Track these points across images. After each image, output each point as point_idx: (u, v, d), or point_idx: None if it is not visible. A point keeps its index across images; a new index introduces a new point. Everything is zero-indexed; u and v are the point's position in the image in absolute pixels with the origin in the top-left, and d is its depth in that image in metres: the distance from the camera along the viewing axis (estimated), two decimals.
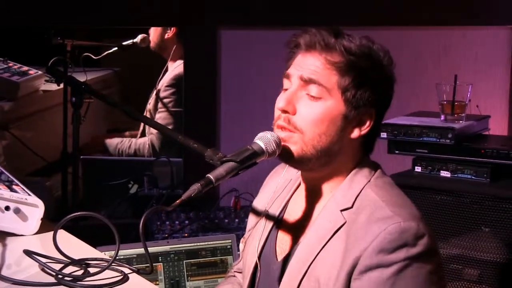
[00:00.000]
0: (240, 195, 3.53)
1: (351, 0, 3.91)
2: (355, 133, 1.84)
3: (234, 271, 2.25)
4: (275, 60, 3.68)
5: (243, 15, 3.87)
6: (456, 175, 3.11)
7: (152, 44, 4.34)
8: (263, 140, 1.80)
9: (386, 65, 1.85)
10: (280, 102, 1.83)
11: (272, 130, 1.85)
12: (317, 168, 1.85)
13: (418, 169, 3.20)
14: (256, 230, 2.02)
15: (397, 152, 3.23)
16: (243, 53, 3.88)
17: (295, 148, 1.81)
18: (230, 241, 3.06)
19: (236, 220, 3.38)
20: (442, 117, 3.22)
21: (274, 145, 1.80)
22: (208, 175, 1.74)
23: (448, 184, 3.08)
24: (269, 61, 3.76)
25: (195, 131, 3.70)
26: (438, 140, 3.12)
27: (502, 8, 4.01)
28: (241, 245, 2.13)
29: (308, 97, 1.81)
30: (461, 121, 3.19)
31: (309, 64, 1.82)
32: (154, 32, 4.35)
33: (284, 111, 1.82)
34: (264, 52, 3.84)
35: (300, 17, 3.84)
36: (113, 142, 4.35)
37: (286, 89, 1.86)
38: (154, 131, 4.22)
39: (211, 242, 3.05)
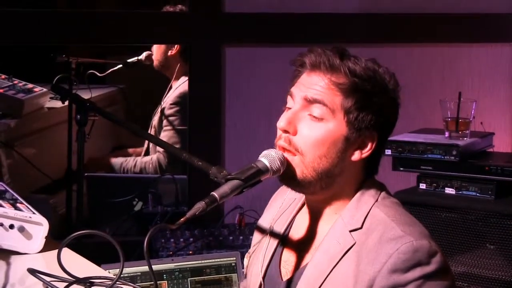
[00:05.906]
0: (244, 212, 3.52)
1: (355, 18, 3.91)
2: (356, 156, 1.82)
3: None
4: (279, 77, 3.70)
5: (248, 32, 3.88)
6: (460, 192, 3.11)
7: (155, 63, 4.35)
8: (267, 158, 1.80)
9: (391, 89, 1.84)
10: (282, 121, 1.82)
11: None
12: (319, 191, 1.84)
13: (422, 186, 3.20)
14: (260, 249, 2.01)
15: (401, 169, 3.22)
16: (248, 71, 3.88)
17: (296, 172, 1.81)
18: (234, 258, 3.05)
19: (241, 237, 3.37)
20: (447, 134, 3.22)
21: (279, 163, 1.80)
22: (213, 193, 1.74)
23: (453, 201, 3.08)
24: (274, 78, 3.76)
25: (199, 149, 3.69)
26: (442, 157, 3.12)
27: (506, 25, 4.01)
28: (245, 260, 2.13)
29: (310, 117, 1.80)
30: (465, 138, 3.19)
31: (313, 84, 1.81)
32: (157, 51, 4.36)
33: (285, 131, 1.82)
34: (268, 70, 3.84)
35: (304, 34, 3.84)
36: (117, 162, 4.36)
37: (289, 108, 1.85)
38: (160, 149, 4.22)
39: (216, 260, 3.04)
